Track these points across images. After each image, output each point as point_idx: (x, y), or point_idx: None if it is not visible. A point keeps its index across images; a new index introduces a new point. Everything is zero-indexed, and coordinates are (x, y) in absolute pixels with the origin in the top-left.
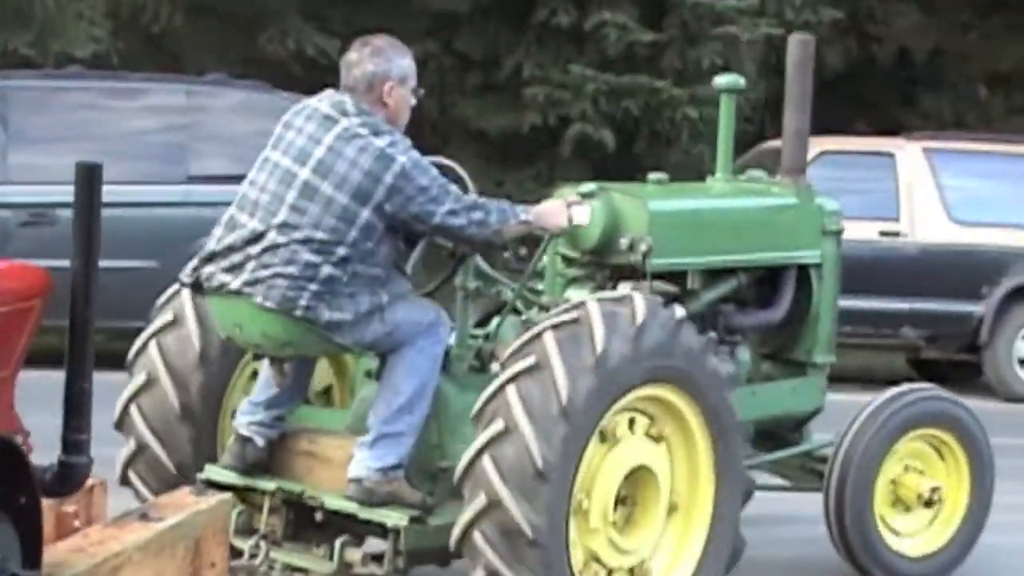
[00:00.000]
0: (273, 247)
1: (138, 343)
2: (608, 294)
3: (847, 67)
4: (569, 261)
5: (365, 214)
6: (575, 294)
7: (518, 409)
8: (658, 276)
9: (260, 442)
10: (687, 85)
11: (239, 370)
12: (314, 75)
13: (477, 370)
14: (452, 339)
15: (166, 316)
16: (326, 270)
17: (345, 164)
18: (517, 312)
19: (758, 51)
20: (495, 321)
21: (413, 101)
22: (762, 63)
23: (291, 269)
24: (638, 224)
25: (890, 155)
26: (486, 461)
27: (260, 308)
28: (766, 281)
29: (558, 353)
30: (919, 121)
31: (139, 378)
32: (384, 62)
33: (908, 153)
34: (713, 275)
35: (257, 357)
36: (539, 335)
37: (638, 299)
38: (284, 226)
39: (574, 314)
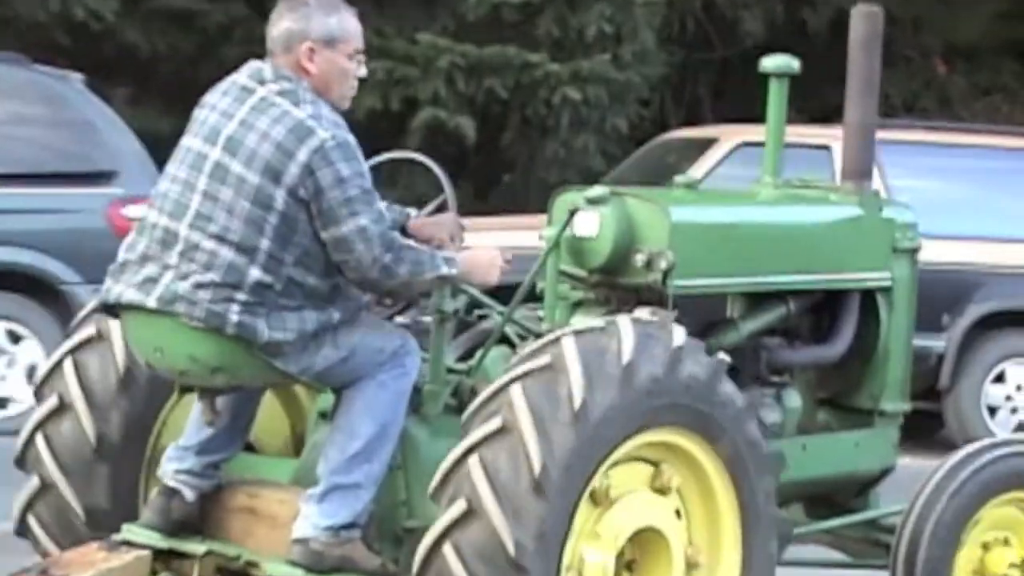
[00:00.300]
0: (190, 249)
1: (51, 362)
2: (589, 324)
3: (771, 37)
4: (575, 281)
5: (280, 196)
6: (582, 322)
7: (483, 486)
8: (686, 300)
9: (189, 495)
10: (568, 59)
11: (173, 400)
12: (84, 44)
13: (455, 411)
14: (426, 372)
15: (87, 331)
16: (254, 274)
17: (256, 137)
18: (509, 343)
19: (657, 17)
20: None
21: (359, 71)
22: (662, 31)
23: (211, 275)
24: (657, 236)
25: (825, 148)
26: (448, 550)
27: (184, 326)
28: (822, 309)
29: (528, 412)
30: None
31: (49, 403)
32: (302, 19)
33: None
34: (755, 301)
35: (184, 390)
36: (505, 388)
37: (624, 327)
38: (198, 218)
39: (546, 358)
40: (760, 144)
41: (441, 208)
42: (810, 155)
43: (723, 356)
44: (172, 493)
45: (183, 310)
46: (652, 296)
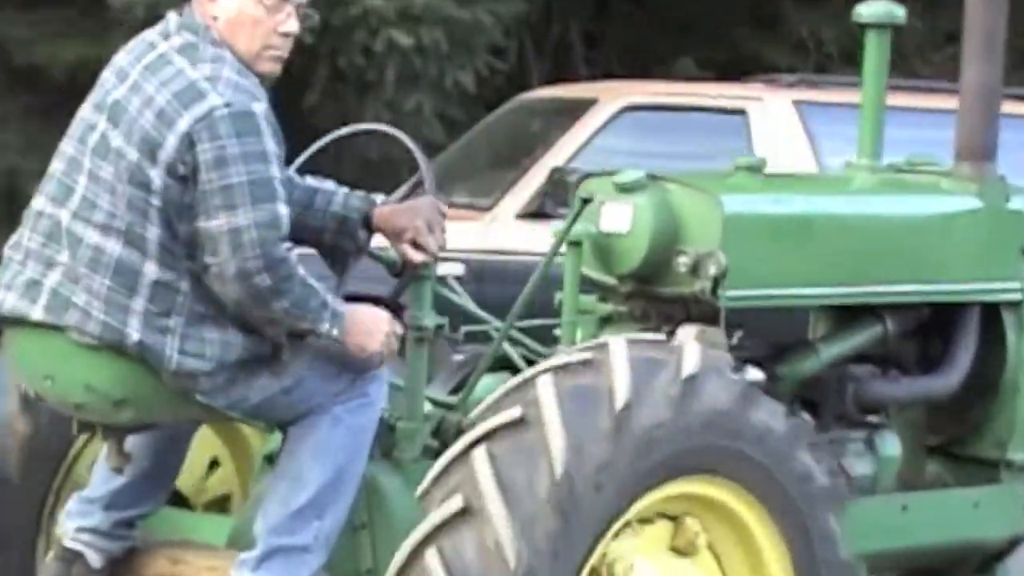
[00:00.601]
0: (74, 243)
1: None
2: (571, 356)
3: None
4: (603, 290)
5: (157, 176)
6: (562, 352)
7: None
8: (754, 318)
9: (95, 560)
10: None
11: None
12: None
13: (437, 455)
14: (397, 406)
15: None
16: (149, 271)
17: (139, 102)
18: (513, 368)
19: None
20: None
21: (284, 24)
22: None
23: (100, 277)
24: (707, 233)
25: (740, 112)
26: None
27: (77, 345)
28: (930, 329)
29: (496, 488)
30: (785, 57)
31: None
32: None
33: (770, 109)
34: (841, 318)
35: (83, 428)
36: (466, 453)
37: (617, 357)
38: (83, 204)
39: (516, 410)
40: (652, 108)
41: (415, 191)
42: (720, 121)
43: (755, 372)
44: (73, 557)
45: (74, 322)
46: (705, 310)
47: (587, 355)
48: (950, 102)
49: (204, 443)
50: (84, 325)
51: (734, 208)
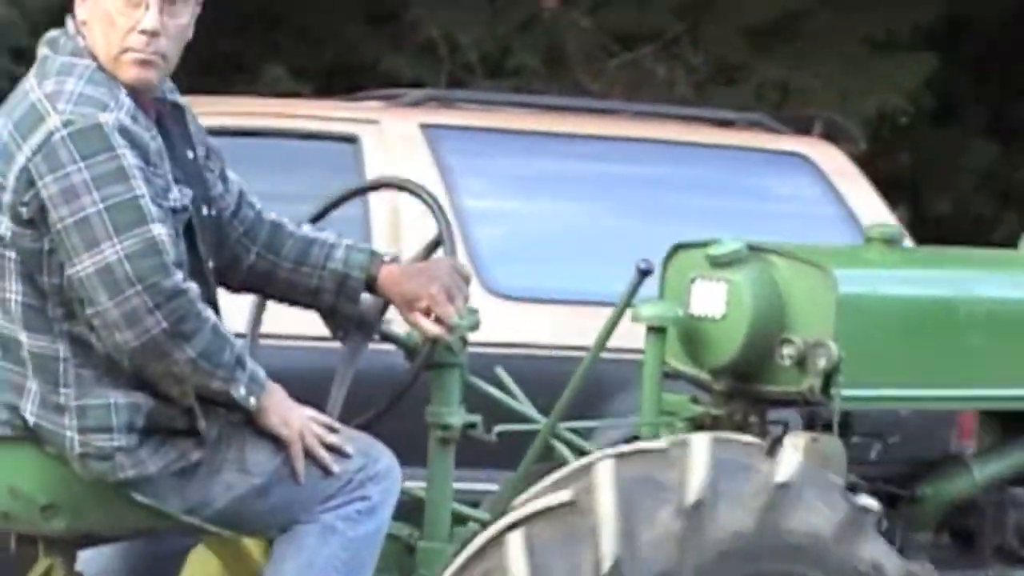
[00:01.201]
0: None
1: None
2: (547, 496)
3: None
4: (696, 387)
5: (3, 227)
6: (537, 493)
7: None
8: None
9: None
10: None
11: None
12: None
13: None
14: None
15: None
16: (23, 339)
17: None
18: None
19: None
20: None
21: (143, 20)
22: None
23: None
24: (817, 318)
25: (350, 140)
26: None
27: None
28: None
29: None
30: (410, 67)
31: None
32: None
33: (389, 135)
34: (1004, 429)
35: (23, 542)
36: (499, 537)
37: (698, 451)
38: None
39: (566, 494)
40: (230, 133)
41: (433, 251)
42: (324, 151)
43: (868, 500)
44: None
45: None
46: (826, 416)
47: (567, 494)
48: (616, 127)
49: (201, 563)
50: None
51: (852, 288)
